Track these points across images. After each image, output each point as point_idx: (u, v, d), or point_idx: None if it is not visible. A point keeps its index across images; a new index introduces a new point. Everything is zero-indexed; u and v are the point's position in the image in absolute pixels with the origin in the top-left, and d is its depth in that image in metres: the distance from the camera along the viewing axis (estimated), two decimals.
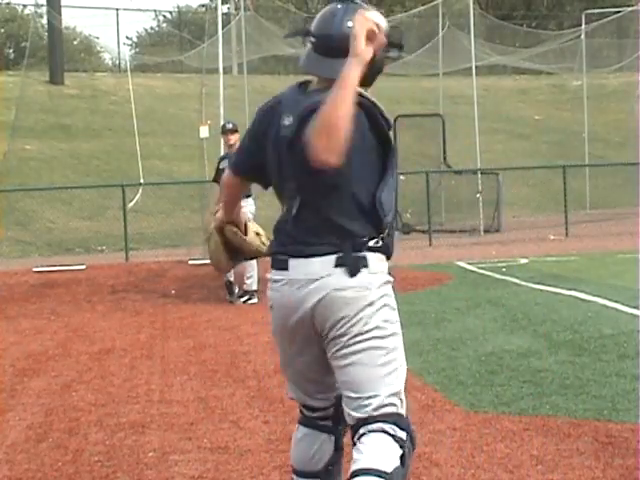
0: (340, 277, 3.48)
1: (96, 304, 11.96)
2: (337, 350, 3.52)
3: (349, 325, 3.49)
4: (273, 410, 6.21)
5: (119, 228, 17.60)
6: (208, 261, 13.97)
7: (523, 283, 12.06)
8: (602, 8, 30.25)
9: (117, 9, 31.00)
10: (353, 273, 3.49)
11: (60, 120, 26.62)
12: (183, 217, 20.19)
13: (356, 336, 3.49)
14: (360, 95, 3.43)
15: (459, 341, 8.18)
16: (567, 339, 8.11)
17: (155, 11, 46.57)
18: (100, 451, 5.45)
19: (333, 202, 3.53)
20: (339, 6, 3.51)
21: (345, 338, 3.50)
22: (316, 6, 42.65)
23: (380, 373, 3.52)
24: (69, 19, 36.31)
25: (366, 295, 3.50)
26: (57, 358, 8.42)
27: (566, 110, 30.61)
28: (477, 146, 20.16)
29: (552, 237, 19.05)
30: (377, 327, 3.52)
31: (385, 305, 3.55)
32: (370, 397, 3.50)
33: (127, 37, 44.06)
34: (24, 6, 40.34)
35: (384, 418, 3.50)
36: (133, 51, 44.60)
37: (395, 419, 3.51)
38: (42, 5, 28.00)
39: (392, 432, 3.48)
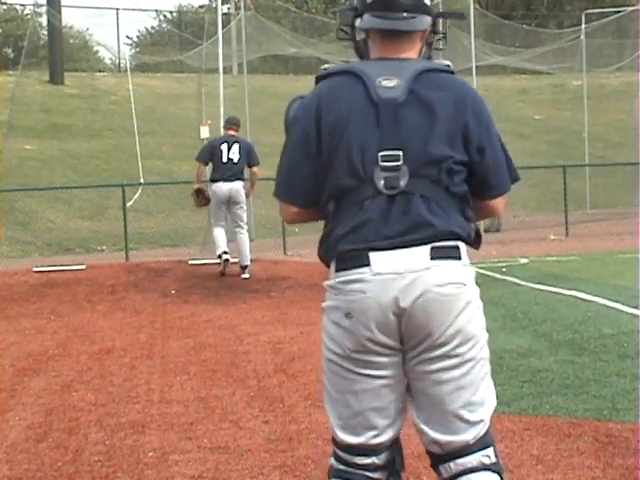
0: (438, 271, 3.06)
1: (96, 304, 11.96)
2: (434, 363, 3.10)
3: (449, 332, 3.08)
4: (273, 410, 6.20)
5: (119, 228, 17.59)
6: (208, 261, 15.26)
7: (523, 283, 12.06)
8: (602, 8, 30.25)
9: (117, 9, 31.03)
10: (452, 266, 3.10)
11: (60, 120, 26.61)
12: (183, 217, 20.17)
13: (458, 346, 3.10)
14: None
15: None
16: (567, 339, 8.11)
17: (156, 11, 46.59)
18: (100, 451, 5.45)
19: (440, 179, 3.12)
20: None
21: (446, 348, 3.09)
22: (316, 5, 42.65)
23: (482, 388, 3.17)
24: (69, 19, 36.31)
25: (463, 292, 3.11)
26: (57, 358, 8.42)
27: (566, 110, 30.58)
28: None
29: (552, 237, 19.03)
30: (478, 333, 3.16)
31: (479, 306, 3.17)
32: (472, 421, 3.15)
33: (127, 37, 44.08)
34: (23, 6, 40.37)
35: (482, 443, 3.17)
36: (133, 51, 44.61)
37: (489, 440, 3.21)
38: (42, 5, 27.99)
39: (489, 461, 3.18)
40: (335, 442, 3.24)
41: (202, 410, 6.30)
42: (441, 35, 3.38)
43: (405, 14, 3.22)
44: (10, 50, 38.84)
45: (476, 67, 21.24)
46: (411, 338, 3.09)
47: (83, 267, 15.18)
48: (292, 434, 5.59)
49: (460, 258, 3.13)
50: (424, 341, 3.08)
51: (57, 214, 20.54)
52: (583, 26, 25.28)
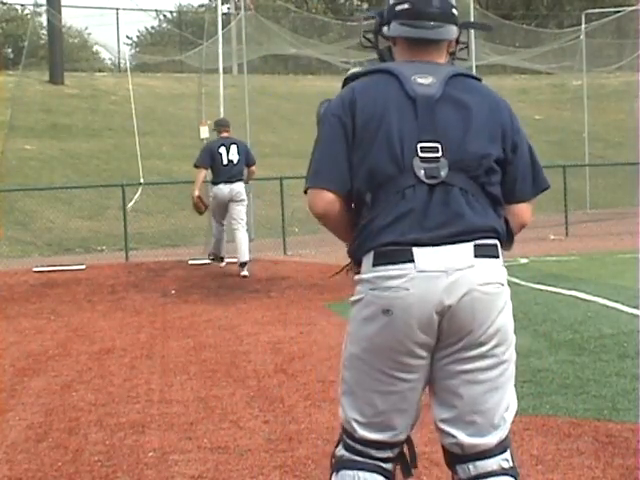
0: (482, 270, 3.06)
1: (96, 304, 11.96)
2: (470, 362, 3.07)
3: (490, 332, 3.07)
4: (273, 410, 6.20)
5: (119, 228, 17.59)
6: (208, 261, 15.68)
7: (523, 283, 12.05)
8: (602, 8, 30.24)
9: (117, 9, 31.01)
10: (493, 265, 3.13)
11: (60, 120, 26.61)
12: (183, 217, 20.17)
13: (496, 347, 3.09)
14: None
15: None
16: (567, 339, 8.11)
17: (156, 11, 46.58)
18: (100, 451, 5.45)
19: (479, 175, 3.13)
20: None
21: (484, 348, 3.07)
22: (316, 5, 42.63)
23: (509, 391, 3.20)
24: (69, 19, 36.32)
25: (501, 292, 3.15)
26: (57, 358, 8.42)
27: (566, 110, 30.62)
28: None
29: (552, 237, 19.03)
30: (511, 335, 3.17)
31: (510, 308, 3.20)
32: (498, 424, 3.15)
33: (127, 37, 44.06)
34: (23, 6, 40.37)
35: (503, 446, 3.18)
36: (133, 50, 44.60)
37: (508, 443, 3.22)
38: (41, 5, 27.99)
39: (508, 465, 3.17)
40: (350, 435, 3.19)
41: (202, 410, 6.30)
42: (463, 45, 3.39)
43: (433, 23, 3.24)
44: (10, 50, 38.84)
45: (476, 67, 21.25)
46: (449, 337, 3.05)
47: (83, 267, 15.18)
48: (292, 434, 5.59)
49: (499, 257, 3.16)
50: (462, 339, 3.05)
51: (57, 214, 20.54)
52: (583, 26, 25.28)
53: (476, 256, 3.06)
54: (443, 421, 3.18)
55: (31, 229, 19.99)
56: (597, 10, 29.11)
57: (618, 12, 27.69)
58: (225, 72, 18.79)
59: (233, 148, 13.36)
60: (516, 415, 5.73)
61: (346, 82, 3.30)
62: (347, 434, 3.22)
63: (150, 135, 24.69)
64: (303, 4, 41.67)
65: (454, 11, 3.29)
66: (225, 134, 13.61)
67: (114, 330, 9.89)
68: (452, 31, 3.29)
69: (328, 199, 3.18)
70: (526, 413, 5.78)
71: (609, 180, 24.87)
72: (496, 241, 3.15)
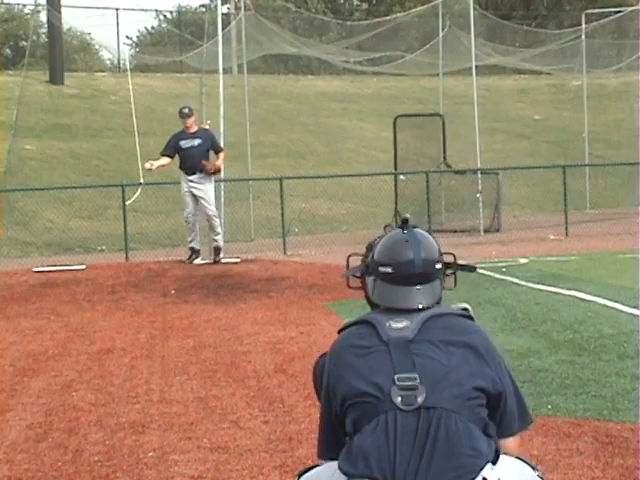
0: None
1: (96, 304, 11.95)
2: None
3: None
4: (273, 410, 6.21)
5: (119, 228, 17.58)
6: (208, 261, 15.85)
7: (523, 283, 12.06)
8: (602, 8, 30.23)
9: (117, 9, 31.00)
10: None
11: (60, 120, 26.61)
12: (183, 217, 20.16)
13: None
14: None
15: None
16: (567, 339, 8.12)
17: (156, 11, 46.56)
18: (100, 451, 5.45)
19: (465, 399, 3.13)
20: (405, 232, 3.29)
21: None
22: (316, 5, 42.63)
23: None
24: (69, 19, 36.30)
25: None
26: (57, 358, 8.42)
27: (566, 110, 30.58)
28: (477, 146, 20.14)
29: (552, 237, 19.03)
30: None
31: None
32: None
33: (127, 37, 43.99)
34: (23, 5, 40.38)
35: None
36: (133, 51, 44.58)
37: None
38: (39, 4, 27.96)
39: None
40: None
41: (202, 410, 6.30)
42: (450, 274, 3.37)
43: (418, 287, 3.26)
44: (10, 50, 38.84)
45: (476, 67, 21.24)
46: None
47: (83, 267, 15.17)
48: (292, 434, 5.59)
49: None
50: None
51: (57, 214, 20.54)
52: (583, 26, 25.27)
53: None
54: None
55: (31, 229, 19.98)
56: (597, 10, 29.11)
57: (618, 12, 27.68)
58: (225, 72, 18.78)
59: None
60: None
61: (341, 331, 3.34)
62: None
63: (150, 135, 24.65)
64: (303, 4, 41.62)
65: (438, 266, 3.30)
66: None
67: (114, 330, 9.89)
68: (435, 291, 3.29)
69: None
70: None
71: (609, 180, 24.86)
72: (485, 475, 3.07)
